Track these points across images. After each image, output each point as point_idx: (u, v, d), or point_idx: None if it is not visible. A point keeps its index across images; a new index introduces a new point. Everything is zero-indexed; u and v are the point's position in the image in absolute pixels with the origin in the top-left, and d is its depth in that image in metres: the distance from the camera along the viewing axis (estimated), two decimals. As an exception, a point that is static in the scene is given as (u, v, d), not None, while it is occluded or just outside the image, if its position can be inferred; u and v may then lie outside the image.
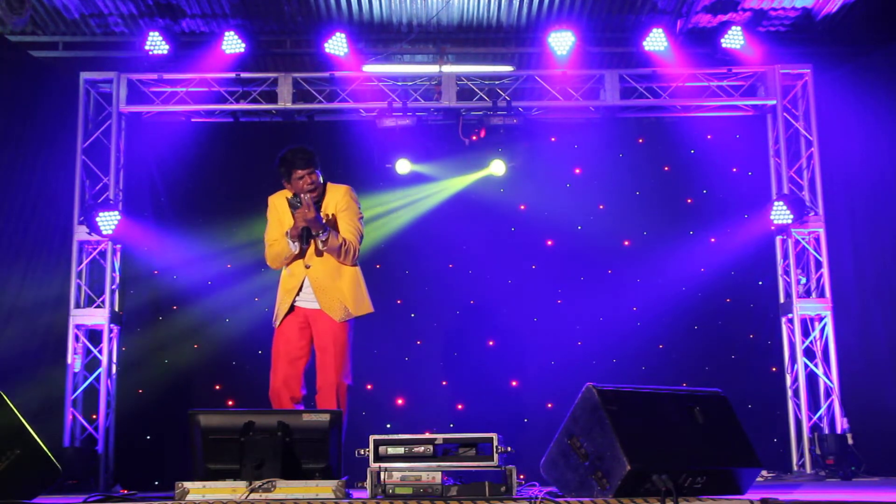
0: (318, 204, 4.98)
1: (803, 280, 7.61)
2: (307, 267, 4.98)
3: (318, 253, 4.96)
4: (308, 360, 5.06)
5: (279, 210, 5.07)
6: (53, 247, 7.50)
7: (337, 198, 5.08)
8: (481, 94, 7.91)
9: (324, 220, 4.93)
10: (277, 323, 5.05)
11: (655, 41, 7.73)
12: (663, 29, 7.74)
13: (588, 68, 7.93)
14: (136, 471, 7.41)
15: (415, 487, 3.87)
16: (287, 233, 4.92)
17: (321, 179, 5.03)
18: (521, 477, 4.14)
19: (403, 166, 7.89)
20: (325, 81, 7.89)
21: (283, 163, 4.99)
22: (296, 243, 4.91)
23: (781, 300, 7.71)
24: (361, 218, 5.16)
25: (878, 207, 7.47)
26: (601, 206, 8.15)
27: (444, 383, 7.92)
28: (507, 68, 8.24)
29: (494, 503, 3.70)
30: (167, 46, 7.58)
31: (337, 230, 4.97)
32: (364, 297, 5.07)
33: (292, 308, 5.00)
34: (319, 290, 4.96)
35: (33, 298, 7.28)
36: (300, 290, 4.99)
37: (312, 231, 4.86)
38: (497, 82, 7.96)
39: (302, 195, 4.84)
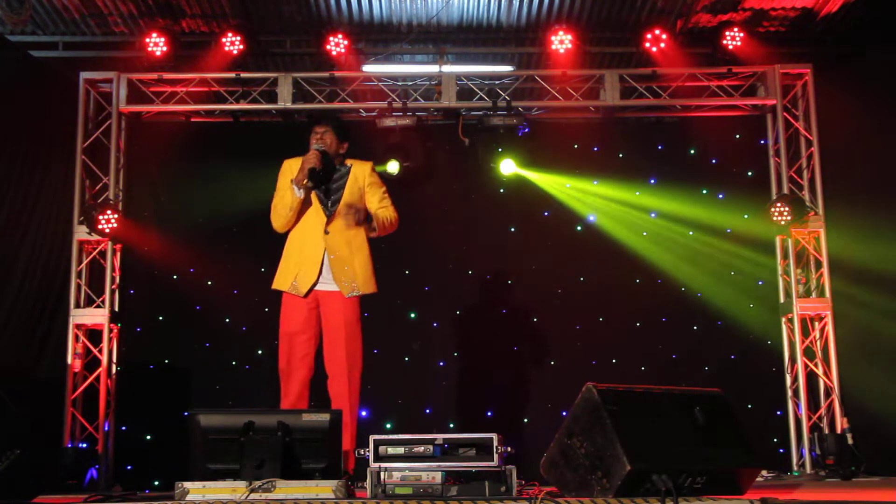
0: (330, 168, 5.00)
1: (803, 280, 7.61)
2: (326, 233, 4.96)
3: (330, 216, 4.96)
4: (317, 339, 5.00)
5: (294, 171, 4.98)
6: (53, 246, 7.49)
7: (364, 171, 5.11)
8: (481, 94, 7.91)
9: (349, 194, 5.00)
10: (291, 288, 4.93)
11: (655, 41, 7.74)
12: (663, 29, 7.75)
13: (588, 68, 7.94)
14: (136, 471, 7.42)
15: (415, 487, 3.88)
16: (292, 180, 4.91)
17: (336, 146, 5.04)
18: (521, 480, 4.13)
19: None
20: (325, 81, 7.89)
21: (308, 124, 5.18)
22: (301, 191, 4.89)
23: (781, 300, 7.71)
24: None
25: (879, 207, 7.46)
26: (601, 206, 8.16)
27: (444, 383, 7.92)
28: (507, 68, 8.24)
29: (494, 503, 3.70)
30: (167, 46, 7.59)
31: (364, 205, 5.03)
32: (371, 276, 5.06)
33: (311, 289, 4.94)
34: (335, 260, 4.93)
35: (33, 298, 7.27)
36: (321, 271, 4.93)
37: (360, 223, 4.92)
38: (497, 82, 7.96)
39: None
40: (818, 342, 7.48)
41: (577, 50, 7.74)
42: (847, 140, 7.72)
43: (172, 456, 7.03)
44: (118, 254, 7.61)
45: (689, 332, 7.99)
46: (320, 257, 4.95)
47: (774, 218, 7.53)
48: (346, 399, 4.84)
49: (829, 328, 7.42)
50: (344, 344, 4.92)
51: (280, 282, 5.02)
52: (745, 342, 7.92)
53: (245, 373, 7.61)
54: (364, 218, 4.94)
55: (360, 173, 5.09)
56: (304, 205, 5.00)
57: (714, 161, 8.21)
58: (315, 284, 4.95)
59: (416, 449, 4.00)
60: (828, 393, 7.37)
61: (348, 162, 5.12)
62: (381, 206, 5.09)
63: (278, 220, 5.03)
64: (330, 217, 4.99)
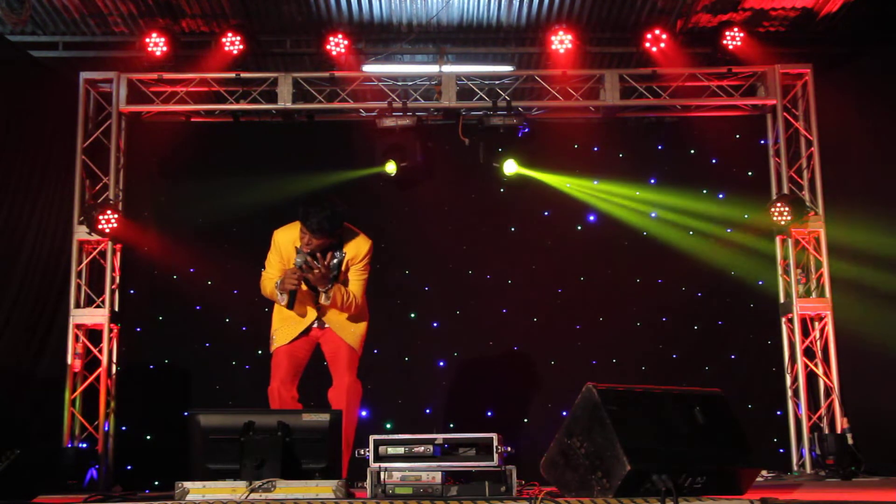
0: (332, 267, 4.86)
1: (803, 280, 7.61)
2: (318, 310, 4.97)
3: (320, 310, 4.97)
4: (308, 362, 5.07)
5: (281, 249, 4.97)
6: (53, 246, 7.49)
7: (358, 250, 4.96)
8: (481, 94, 7.91)
9: (332, 268, 4.86)
10: (276, 346, 4.99)
11: (655, 41, 7.75)
12: (663, 29, 7.75)
13: (588, 68, 7.94)
14: (136, 471, 7.42)
15: (415, 487, 3.88)
16: (277, 284, 4.86)
17: (324, 244, 4.80)
18: (521, 481, 4.14)
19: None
20: (325, 81, 7.89)
21: (300, 206, 4.78)
22: (284, 297, 4.84)
23: (781, 300, 7.71)
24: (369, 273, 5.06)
25: (878, 206, 7.46)
26: (601, 206, 8.16)
27: (444, 383, 7.92)
28: (507, 68, 8.24)
29: (494, 503, 3.70)
30: (167, 46, 7.59)
31: (343, 280, 4.92)
32: (365, 335, 5.12)
33: (306, 332, 4.99)
34: (338, 328, 4.98)
35: (33, 298, 7.27)
36: (313, 322, 5.00)
37: (319, 287, 4.83)
38: (497, 82, 7.96)
39: (310, 262, 4.75)
40: (818, 342, 7.48)
41: (577, 50, 7.74)
42: (847, 140, 7.71)
43: (172, 456, 7.04)
44: (118, 254, 7.61)
45: (689, 332, 7.99)
46: (310, 322, 4.98)
47: (774, 218, 7.53)
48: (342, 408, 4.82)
49: (829, 328, 7.42)
50: (346, 358, 4.95)
51: (279, 341, 5.01)
52: (745, 342, 7.93)
53: (245, 373, 7.61)
54: (322, 279, 4.76)
55: (353, 257, 4.94)
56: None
57: (714, 161, 8.21)
58: (307, 330, 4.98)
59: (416, 449, 4.00)
60: (828, 393, 7.37)
61: (346, 248, 4.93)
62: (352, 285, 4.95)
63: (267, 296, 5.03)
64: (320, 307, 4.96)
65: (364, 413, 7.50)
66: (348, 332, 5.01)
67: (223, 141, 8.05)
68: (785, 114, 7.79)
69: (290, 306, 4.84)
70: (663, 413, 3.94)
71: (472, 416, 7.67)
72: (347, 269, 4.95)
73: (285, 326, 5.01)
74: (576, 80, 7.90)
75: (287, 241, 4.95)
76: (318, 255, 4.79)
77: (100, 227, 7.29)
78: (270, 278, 4.96)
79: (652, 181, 8.21)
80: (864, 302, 7.47)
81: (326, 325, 5.01)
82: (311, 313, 4.99)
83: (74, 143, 7.58)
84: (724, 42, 7.69)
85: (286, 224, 5.04)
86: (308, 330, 5.01)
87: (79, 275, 7.46)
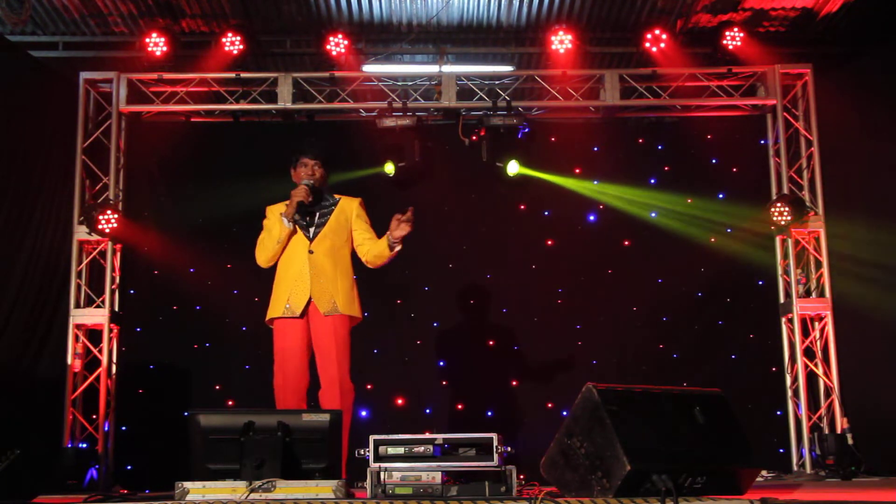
0: (317, 200, 5.08)
1: (803, 280, 7.61)
2: (311, 252, 4.97)
3: (313, 238, 4.99)
4: (310, 354, 5.00)
5: (277, 213, 5.07)
6: (53, 246, 7.49)
7: (351, 202, 5.18)
8: (481, 94, 7.91)
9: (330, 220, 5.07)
10: (285, 311, 4.92)
11: (655, 41, 7.75)
12: (663, 29, 7.75)
13: (588, 68, 7.94)
14: (136, 471, 7.41)
15: (415, 487, 3.88)
16: (281, 213, 4.98)
17: (324, 179, 5.17)
18: (522, 477, 4.13)
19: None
20: (325, 81, 7.90)
21: (293, 151, 5.18)
22: (290, 222, 4.96)
23: (781, 300, 7.72)
24: None
25: (877, 207, 7.46)
26: (601, 207, 8.16)
27: (444, 383, 7.92)
28: (507, 68, 8.24)
29: (494, 503, 3.70)
30: (167, 46, 7.59)
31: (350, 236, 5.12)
32: (355, 300, 5.04)
33: (308, 302, 4.94)
34: (316, 276, 4.94)
35: (33, 298, 7.27)
36: (310, 289, 4.95)
37: (396, 247, 4.90)
38: (497, 82, 7.96)
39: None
40: (818, 342, 7.48)
41: (577, 50, 7.75)
42: (847, 140, 7.71)
43: (172, 456, 7.05)
44: (118, 254, 7.62)
45: (689, 332, 7.98)
46: (308, 275, 4.96)
47: (774, 218, 7.53)
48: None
49: (829, 328, 7.42)
50: (335, 356, 4.89)
51: (273, 310, 5.02)
52: (745, 342, 7.92)
53: (245, 373, 7.60)
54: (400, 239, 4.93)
55: (347, 207, 5.15)
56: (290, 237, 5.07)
57: (714, 161, 8.21)
58: (309, 303, 4.95)
59: (415, 449, 4.00)
60: (828, 393, 7.38)
61: (337, 195, 5.20)
62: (370, 240, 5.09)
63: (265, 253, 5.09)
64: (313, 239, 5.00)
65: (364, 413, 7.51)
66: (325, 298, 4.91)
67: (223, 141, 8.06)
68: (785, 114, 7.80)
69: (300, 214, 4.99)
70: (663, 413, 3.94)
71: (472, 416, 7.67)
72: (349, 227, 5.11)
73: (292, 286, 4.97)
74: (576, 80, 7.90)
75: (280, 209, 5.07)
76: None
77: (100, 227, 7.30)
78: (269, 230, 5.08)
79: (652, 181, 8.20)
80: (863, 301, 7.46)
81: (317, 308, 4.91)
82: (304, 263, 4.95)
83: (74, 143, 7.58)
84: (724, 42, 7.70)
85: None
86: (308, 307, 4.92)
87: (79, 275, 7.46)
